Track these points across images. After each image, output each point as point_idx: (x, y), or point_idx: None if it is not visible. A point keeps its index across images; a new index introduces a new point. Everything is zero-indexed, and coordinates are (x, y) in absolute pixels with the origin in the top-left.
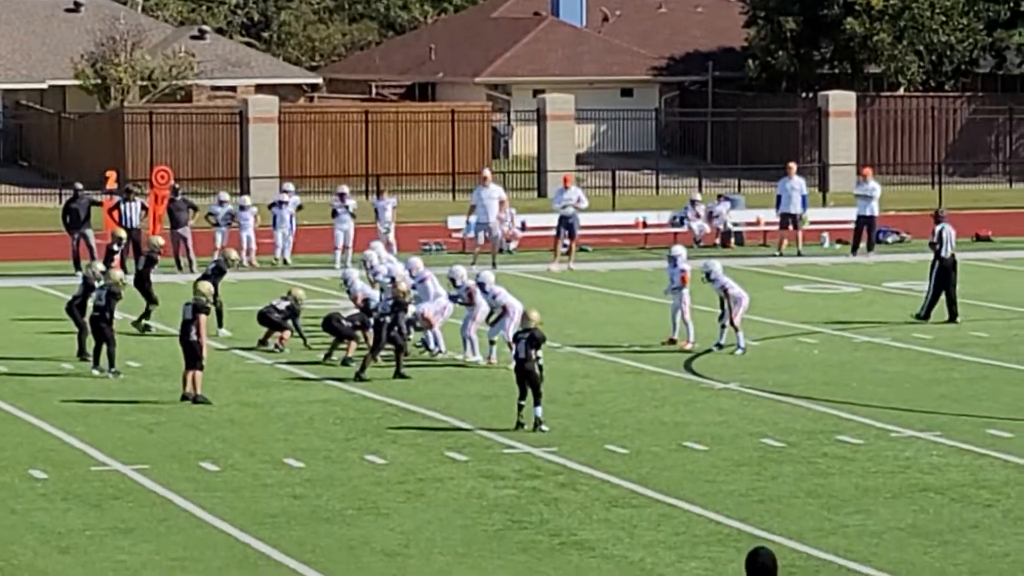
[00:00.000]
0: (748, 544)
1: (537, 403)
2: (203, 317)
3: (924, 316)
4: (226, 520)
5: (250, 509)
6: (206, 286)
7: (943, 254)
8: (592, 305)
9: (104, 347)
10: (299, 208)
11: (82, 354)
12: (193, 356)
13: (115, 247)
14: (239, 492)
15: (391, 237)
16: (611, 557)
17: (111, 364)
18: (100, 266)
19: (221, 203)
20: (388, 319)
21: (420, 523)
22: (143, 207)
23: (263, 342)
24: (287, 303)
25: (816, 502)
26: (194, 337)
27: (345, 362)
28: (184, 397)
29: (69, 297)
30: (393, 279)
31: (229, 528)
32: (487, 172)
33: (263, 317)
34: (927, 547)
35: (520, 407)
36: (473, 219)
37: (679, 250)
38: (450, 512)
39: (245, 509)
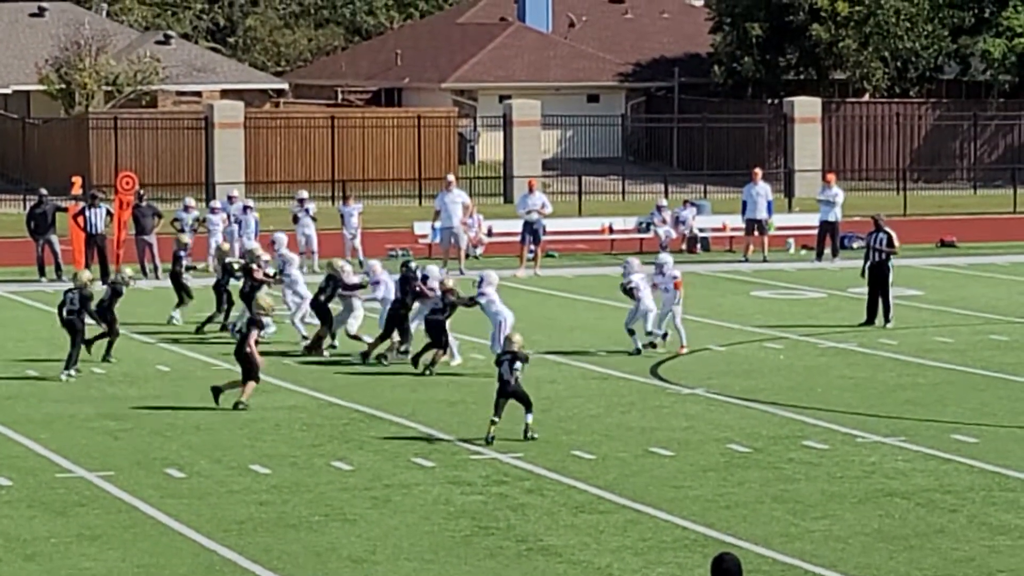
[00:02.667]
0: (714, 549)
1: (529, 411)
2: (255, 331)
3: (868, 321)
4: (192, 527)
5: (216, 516)
6: (265, 300)
7: (872, 259)
8: (558, 311)
9: (72, 348)
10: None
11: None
12: (248, 368)
13: (181, 252)
14: (205, 499)
15: (357, 243)
16: (578, 563)
17: (70, 363)
18: (87, 273)
19: (187, 209)
20: (441, 316)
21: (387, 529)
22: (108, 213)
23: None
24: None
25: (782, 507)
26: (247, 350)
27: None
28: (237, 405)
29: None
30: (442, 281)
31: (195, 535)
32: (451, 177)
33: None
34: (892, 552)
35: (493, 423)
36: (439, 224)
37: (665, 258)
38: (417, 518)
39: (211, 516)
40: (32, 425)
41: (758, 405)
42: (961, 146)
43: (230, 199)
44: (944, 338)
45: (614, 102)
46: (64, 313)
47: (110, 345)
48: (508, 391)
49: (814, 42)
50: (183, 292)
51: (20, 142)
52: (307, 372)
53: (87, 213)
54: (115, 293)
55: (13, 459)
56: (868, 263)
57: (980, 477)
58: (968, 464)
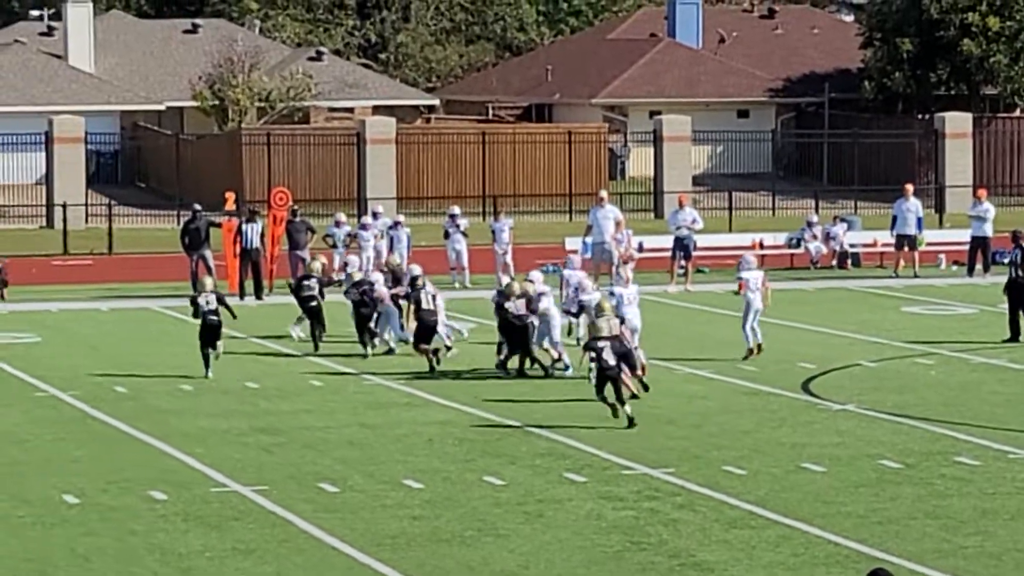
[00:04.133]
0: (867, 565)
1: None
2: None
3: (1012, 338)
4: (346, 541)
5: (369, 530)
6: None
7: (1011, 275)
8: (708, 326)
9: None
10: (353, 237)
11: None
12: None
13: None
14: (358, 513)
15: (508, 258)
16: None
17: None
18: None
19: (338, 224)
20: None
21: (539, 544)
22: (264, 229)
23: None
24: None
25: (935, 523)
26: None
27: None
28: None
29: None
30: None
31: (349, 549)
32: (603, 193)
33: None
34: None
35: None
36: (590, 239)
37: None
38: (569, 533)
39: (365, 530)
40: (186, 439)
41: (910, 421)
42: None
43: (375, 215)
44: None
45: (764, 117)
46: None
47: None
48: (610, 377)
49: (965, 57)
50: (315, 317)
51: (174, 158)
52: (459, 387)
53: (243, 228)
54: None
55: (168, 473)
56: (1008, 279)
57: None
58: None
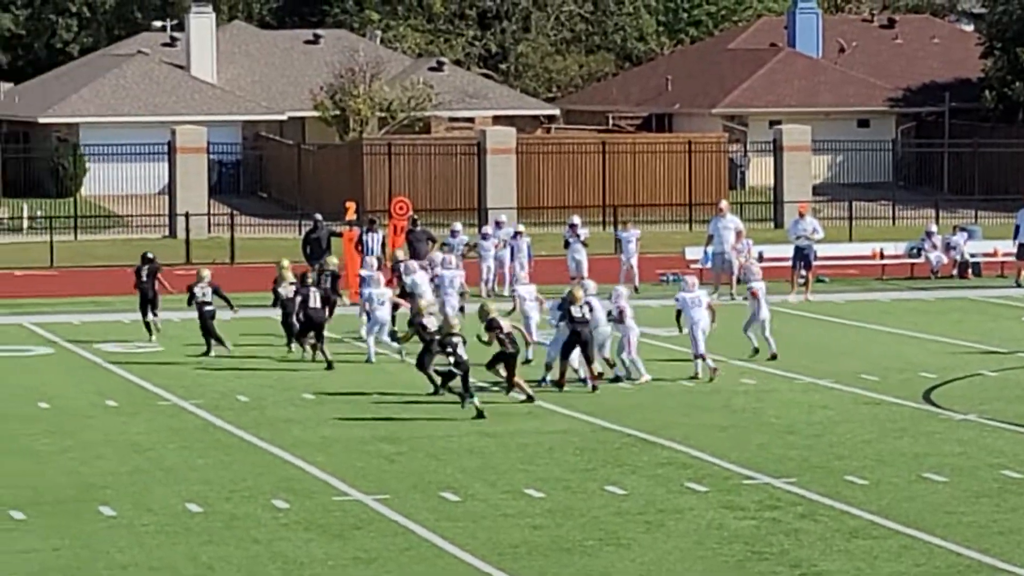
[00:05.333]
0: None
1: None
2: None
3: None
4: (467, 550)
5: (491, 539)
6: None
7: None
8: (829, 336)
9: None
10: (472, 246)
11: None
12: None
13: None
14: (480, 522)
15: (634, 268)
16: None
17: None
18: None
19: (454, 234)
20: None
21: (661, 554)
22: (384, 239)
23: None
24: None
25: None
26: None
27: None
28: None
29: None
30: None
31: (470, 558)
32: (724, 203)
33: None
34: None
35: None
36: (710, 249)
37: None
38: (691, 543)
39: (486, 539)
40: (308, 448)
41: None
42: None
43: (498, 224)
44: None
45: (884, 127)
46: None
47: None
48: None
49: None
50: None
51: (295, 168)
52: (580, 396)
53: (364, 238)
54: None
55: (290, 482)
56: None
57: None
58: None
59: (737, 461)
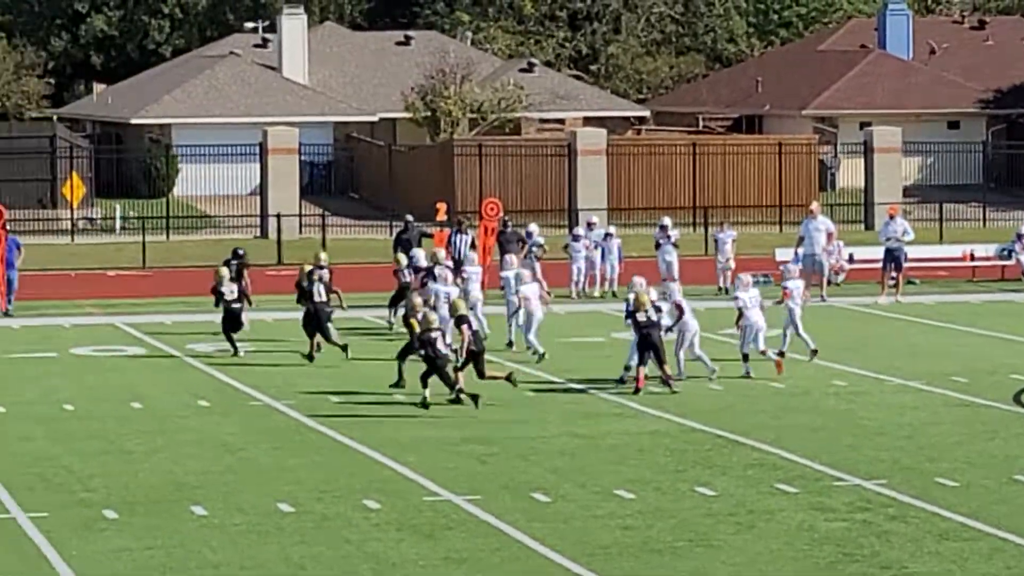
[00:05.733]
0: None
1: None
2: None
3: None
4: (558, 551)
5: (582, 540)
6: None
7: None
8: (920, 337)
9: None
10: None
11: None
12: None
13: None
14: (570, 523)
15: (731, 268)
16: None
17: None
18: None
19: (529, 235)
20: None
21: (751, 555)
22: (473, 240)
23: None
24: None
25: None
26: None
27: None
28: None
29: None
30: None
31: (561, 559)
32: (815, 204)
33: None
34: None
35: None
36: (801, 251)
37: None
38: (781, 544)
39: (577, 540)
40: (399, 448)
41: None
42: None
43: (589, 226)
44: None
45: (975, 129)
46: None
47: None
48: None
49: None
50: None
51: (386, 169)
52: (670, 397)
53: (454, 239)
54: None
55: (382, 482)
56: None
57: None
58: None
59: (827, 463)
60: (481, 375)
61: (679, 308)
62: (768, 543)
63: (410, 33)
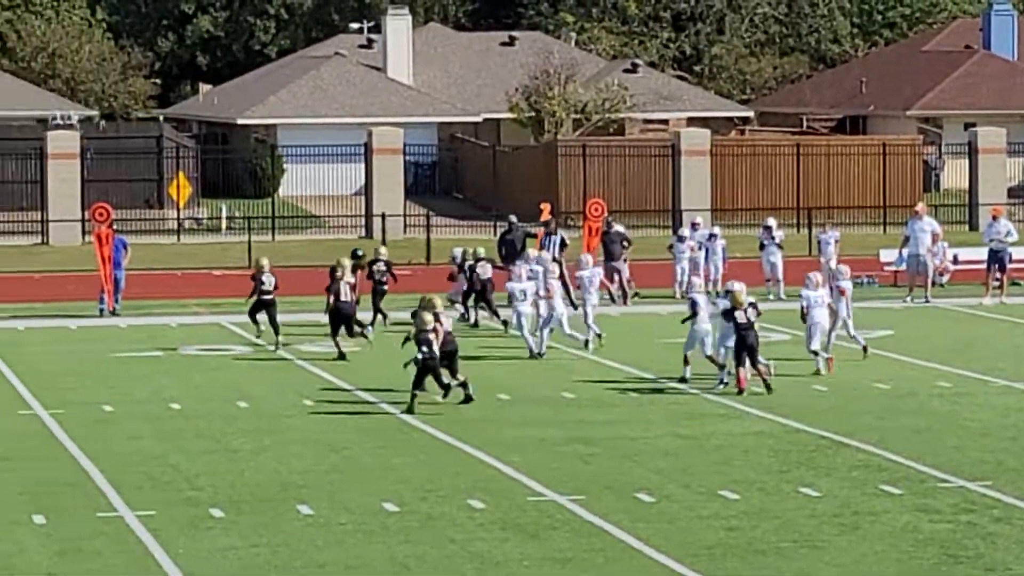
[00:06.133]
0: None
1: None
2: None
3: None
4: (662, 551)
5: (686, 540)
6: None
7: None
8: None
9: None
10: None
11: None
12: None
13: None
14: (675, 523)
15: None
16: None
17: None
18: None
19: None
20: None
21: (856, 557)
22: (563, 241)
23: None
24: None
25: None
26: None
27: None
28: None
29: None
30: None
31: (665, 559)
32: (920, 205)
33: None
34: None
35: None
36: (905, 251)
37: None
38: (885, 546)
39: (681, 540)
40: (504, 448)
41: None
42: None
43: (694, 226)
44: None
45: None
46: None
47: None
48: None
49: None
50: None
51: (490, 169)
52: (773, 398)
53: (544, 240)
54: None
55: (486, 482)
56: None
57: None
58: None
59: (932, 464)
60: (453, 374)
61: (694, 306)
62: (872, 544)
63: (514, 34)
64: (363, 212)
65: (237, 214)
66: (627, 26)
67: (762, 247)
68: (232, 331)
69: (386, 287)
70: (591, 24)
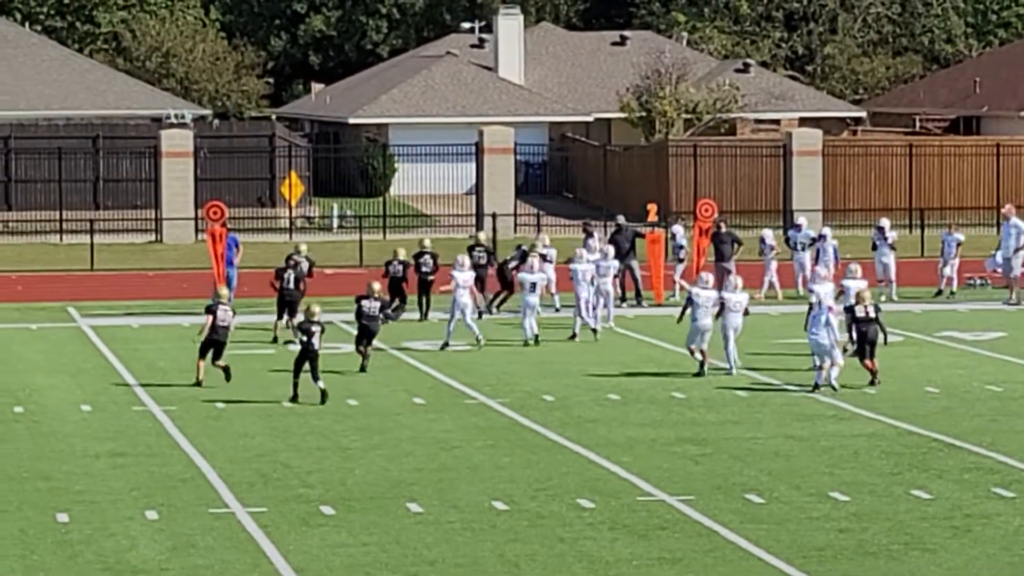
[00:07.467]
0: None
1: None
2: None
3: None
4: (772, 553)
5: (796, 542)
6: None
7: None
8: None
9: None
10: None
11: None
12: None
13: None
14: (784, 524)
15: (951, 271)
16: None
17: None
18: None
19: (673, 236)
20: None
21: (967, 559)
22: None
23: None
24: None
25: None
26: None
27: None
28: None
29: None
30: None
31: (775, 560)
32: (1008, 206)
33: None
34: None
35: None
36: (999, 253)
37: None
38: (998, 549)
39: (791, 542)
40: (614, 448)
41: None
42: None
43: (797, 227)
44: None
45: None
46: None
47: None
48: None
49: None
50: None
51: (601, 169)
52: (885, 400)
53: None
54: None
55: (596, 482)
56: None
57: None
58: None
59: None
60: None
61: (721, 302)
62: (984, 547)
63: (625, 33)
64: (474, 211)
65: (348, 213)
66: (739, 25)
67: (875, 247)
68: (342, 329)
69: (432, 279)
70: (703, 23)
